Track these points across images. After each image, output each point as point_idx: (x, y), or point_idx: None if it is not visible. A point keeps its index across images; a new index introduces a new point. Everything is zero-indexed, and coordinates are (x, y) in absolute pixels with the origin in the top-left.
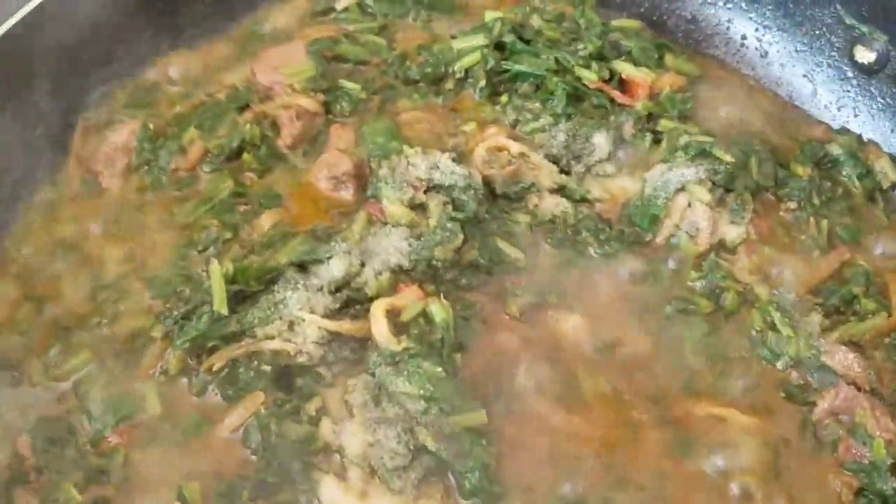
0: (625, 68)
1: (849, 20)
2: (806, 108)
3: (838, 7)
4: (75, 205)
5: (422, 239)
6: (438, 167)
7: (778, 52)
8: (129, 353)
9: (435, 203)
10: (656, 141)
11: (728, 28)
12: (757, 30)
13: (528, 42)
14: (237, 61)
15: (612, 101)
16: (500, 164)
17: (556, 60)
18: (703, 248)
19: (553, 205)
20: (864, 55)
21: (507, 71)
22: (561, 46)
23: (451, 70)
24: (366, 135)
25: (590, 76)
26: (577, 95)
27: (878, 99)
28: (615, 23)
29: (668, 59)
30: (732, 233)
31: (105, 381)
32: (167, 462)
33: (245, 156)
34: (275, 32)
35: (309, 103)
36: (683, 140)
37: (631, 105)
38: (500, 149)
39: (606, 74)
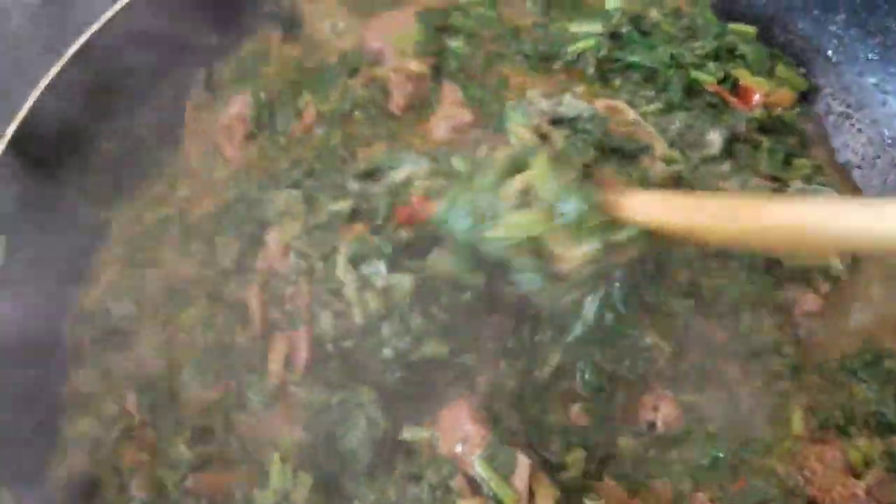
0: (742, 74)
1: None
2: (875, 117)
3: None
4: (192, 177)
5: None
6: (562, 103)
7: (849, 60)
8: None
9: (558, 134)
10: (770, 151)
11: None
12: (830, 39)
13: (645, 34)
14: (348, 28)
15: (724, 101)
16: (617, 122)
17: (672, 56)
18: None
19: (662, 169)
20: None
21: (618, 60)
22: (677, 43)
23: (563, 51)
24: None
25: (707, 79)
26: (691, 89)
27: None
28: (732, 26)
29: (780, 69)
30: None
31: (204, 340)
32: (261, 420)
33: (356, 114)
34: (385, 2)
35: (418, 66)
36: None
37: (744, 109)
38: (615, 110)
39: (721, 75)
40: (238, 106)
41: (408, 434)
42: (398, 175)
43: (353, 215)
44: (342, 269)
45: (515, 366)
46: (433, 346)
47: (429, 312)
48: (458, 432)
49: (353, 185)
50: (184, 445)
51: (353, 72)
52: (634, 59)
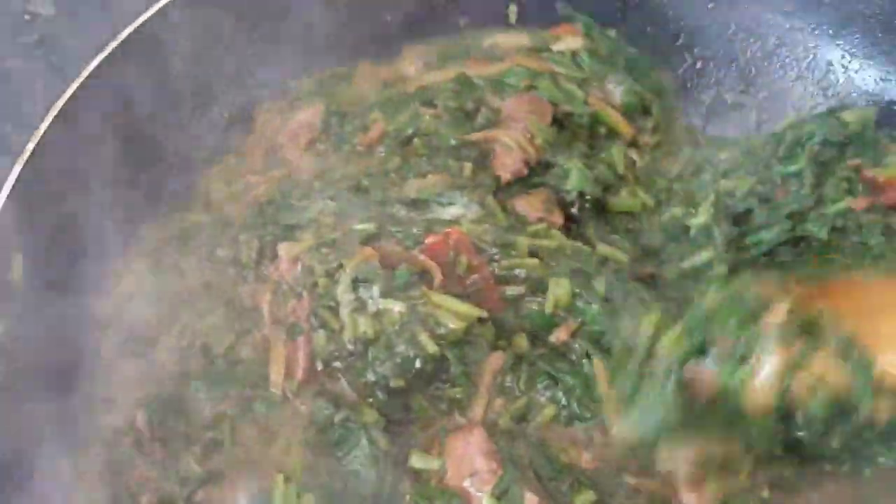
0: (875, 171)
1: None
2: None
3: None
4: (255, 175)
5: None
6: None
7: (863, 79)
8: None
9: None
10: None
11: (814, 55)
12: (843, 57)
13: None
14: (436, 67)
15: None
16: None
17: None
18: None
19: None
20: None
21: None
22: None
23: None
24: None
25: (850, 205)
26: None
27: None
28: (844, 115)
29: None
30: None
31: (219, 348)
32: (268, 434)
33: (416, 141)
34: (490, 51)
35: (534, 157)
36: None
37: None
38: None
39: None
40: (309, 114)
41: (417, 462)
42: (446, 213)
43: (371, 238)
44: (343, 289)
45: (509, 408)
46: (412, 376)
47: (416, 341)
48: (468, 466)
49: (400, 212)
50: (193, 460)
51: (428, 102)
52: (760, 240)
